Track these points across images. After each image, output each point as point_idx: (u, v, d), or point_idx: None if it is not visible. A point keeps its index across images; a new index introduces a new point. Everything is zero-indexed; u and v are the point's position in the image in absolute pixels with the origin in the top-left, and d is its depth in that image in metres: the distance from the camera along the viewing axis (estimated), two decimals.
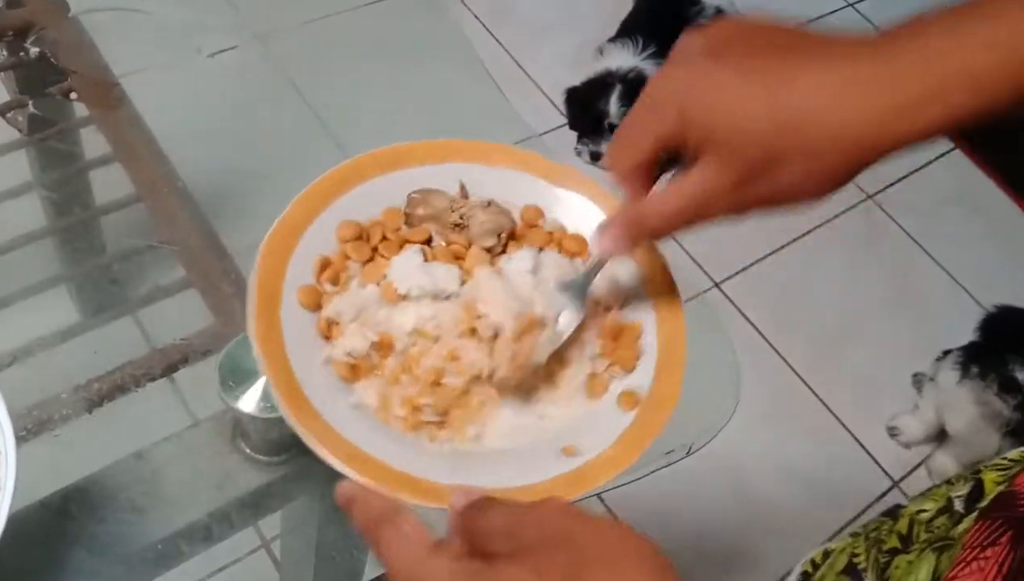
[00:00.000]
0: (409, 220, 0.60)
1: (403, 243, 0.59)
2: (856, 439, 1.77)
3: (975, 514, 0.58)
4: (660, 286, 0.59)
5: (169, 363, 0.71)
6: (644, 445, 0.52)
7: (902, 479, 1.74)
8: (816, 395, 1.81)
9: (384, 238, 0.59)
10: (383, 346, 0.55)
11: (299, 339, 0.53)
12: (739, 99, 0.44)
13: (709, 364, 0.80)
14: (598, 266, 0.56)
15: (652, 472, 0.67)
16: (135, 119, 0.91)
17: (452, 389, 0.53)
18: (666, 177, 0.49)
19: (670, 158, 0.49)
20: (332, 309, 0.55)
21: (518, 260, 0.57)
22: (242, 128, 1.03)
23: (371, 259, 0.58)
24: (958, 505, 0.61)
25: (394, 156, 0.61)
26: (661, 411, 0.54)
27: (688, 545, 1.59)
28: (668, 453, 0.71)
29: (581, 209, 0.61)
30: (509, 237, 0.59)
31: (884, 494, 1.73)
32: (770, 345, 1.85)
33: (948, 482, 0.65)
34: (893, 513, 0.71)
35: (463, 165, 0.62)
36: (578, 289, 0.56)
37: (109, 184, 0.93)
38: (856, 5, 2.46)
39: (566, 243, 0.61)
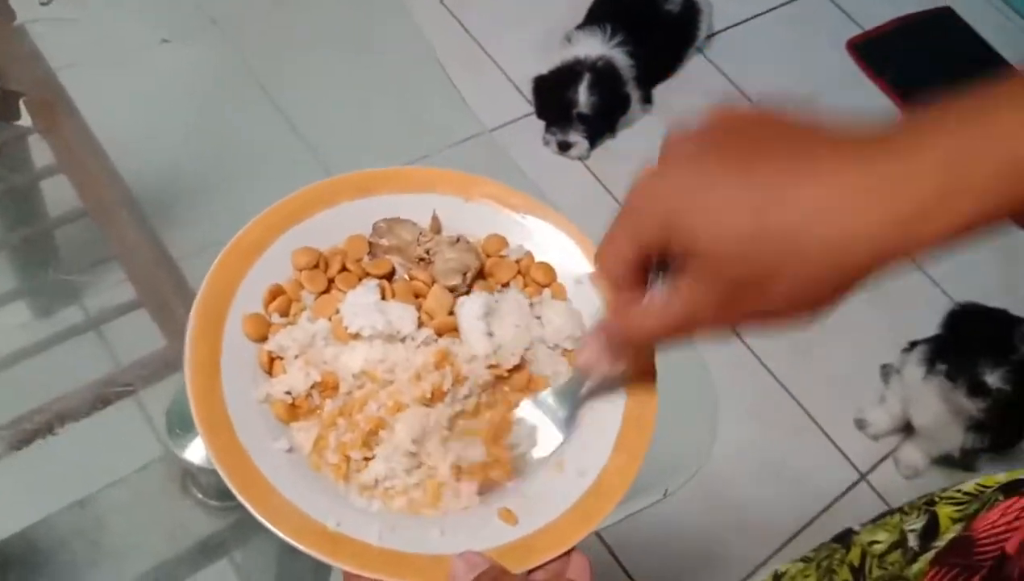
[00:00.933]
0: (373, 250, 0.57)
1: (363, 276, 0.56)
2: (824, 431, 1.78)
3: (930, 555, 0.57)
4: (638, 369, 0.55)
5: (104, 395, 0.67)
6: (592, 523, 0.50)
7: (869, 472, 1.75)
8: (784, 388, 1.81)
9: (344, 269, 0.56)
10: (326, 386, 0.52)
11: (238, 373, 0.51)
12: (723, 210, 0.41)
13: (686, 401, 0.78)
14: (580, 380, 0.53)
15: (625, 519, 0.66)
16: (80, 131, 0.88)
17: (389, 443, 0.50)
18: (654, 288, 0.46)
19: (662, 260, 0.46)
20: (276, 342, 0.52)
21: (470, 304, 0.54)
22: (195, 124, 1.00)
23: (327, 291, 0.55)
24: (912, 541, 0.60)
25: (365, 181, 0.58)
26: (617, 486, 0.52)
27: (657, 540, 1.59)
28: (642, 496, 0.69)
29: (547, 236, 0.59)
30: (476, 277, 0.56)
31: (852, 487, 1.74)
32: (742, 341, 1.85)
33: (901, 511, 0.65)
34: (845, 540, 0.70)
35: (440, 197, 0.59)
36: (561, 404, 0.53)
37: (62, 197, 0.90)
38: None
39: (534, 272, 0.58)
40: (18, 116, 0.87)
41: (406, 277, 0.57)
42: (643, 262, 0.45)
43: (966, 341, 1.56)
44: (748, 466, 1.70)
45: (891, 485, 1.73)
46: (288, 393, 0.51)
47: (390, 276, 0.57)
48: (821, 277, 0.41)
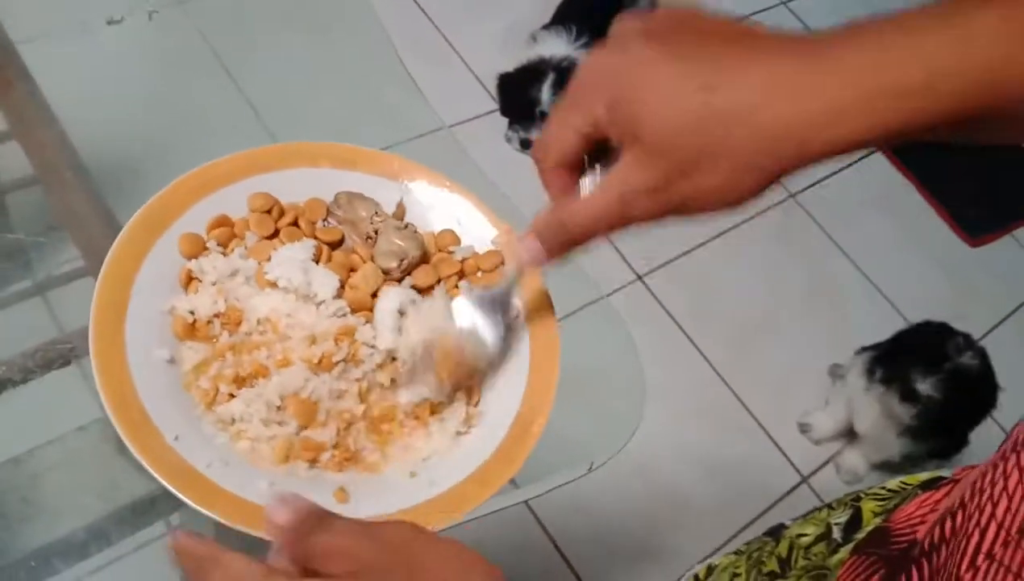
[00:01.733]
0: (329, 217, 0.58)
1: (310, 236, 0.57)
2: (768, 434, 1.81)
3: (851, 546, 0.59)
4: (537, 310, 0.57)
5: (45, 363, 0.68)
6: (501, 481, 0.51)
7: (811, 475, 1.78)
8: (731, 390, 1.83)
9: (294, 224, 0.57)
10: (229, 320, 0.53)
11: (155, 283, 0.52)
12: (670, 92, 0.42)
13: (614, 378, 0.80)
14: (517, 278, 0.54)
15: (552, 490, 0.67)
16: (33, 98, 0.87)
17: (259, 396, 0.51)
18: (589, 177, 0.47)
19: (593, 157, 0.47)
20: (199, 264, 0.54)
21: (390, 295, 0.55)
22: (151, 100, 1.00)
23: (271, 237, 0.56)
24: (836, 533, 0.62)
25: (349, 154, 0.60)
26: (523, 442, 0.53)
27: (597, 539, 1.60)
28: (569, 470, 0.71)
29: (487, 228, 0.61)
30: (413, 265, 0.57)
31: (793, 489, 1.77)
32: (689, 339, 1.87)
33: (829, 507, 0.67)
34: (776, 533, 0.72)
35: (413, 185, 0.60)
36: (497, 304, 0.54)
37: (12, 162, 0.89)
38: (789, 4, 2.49)
39: (480, 263, 0.60)
40: None
41: (352, 250, 0.58)
42: (584, 150, 0.46)
43: (904, 350, 1.61)
44: (689, 462, 1.72)
45: (832, 488, 1.76)
46: (192, 312, 0.52)
47: (337, 245, 0.58)
48: (750, 162, 0.42)
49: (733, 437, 1.79)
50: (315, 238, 0.57)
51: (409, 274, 0.57)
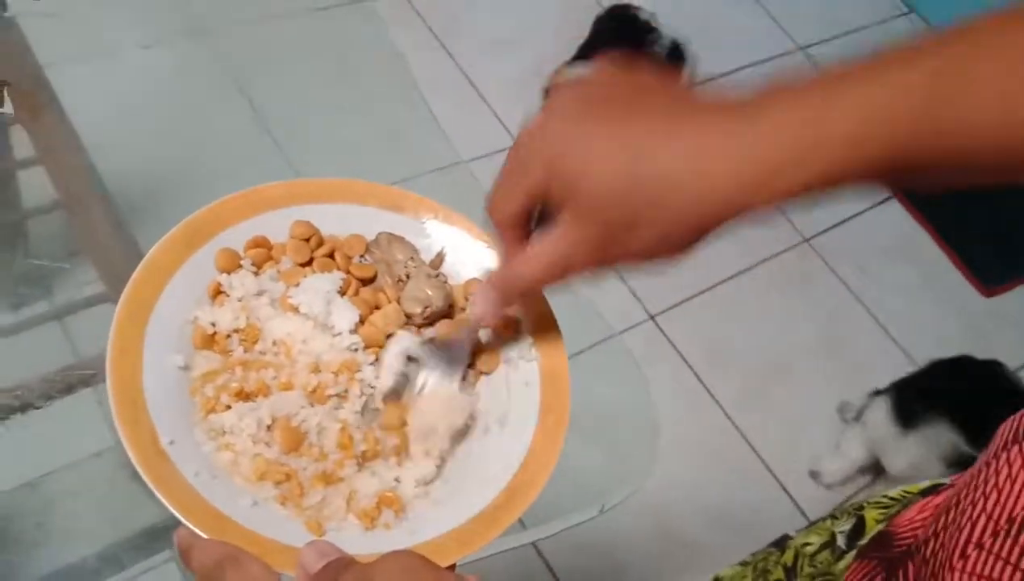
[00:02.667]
0: (367, 254, 0.59)
1: (344, 270, 0.58)
2: (778, 481, 1.79)
3: (855, 552, 0.59)
4: (548, 347, 0.57)
5: (66, 384, 0.68)
6: (493, 533, 0.50)
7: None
8: (741, 434, 1.83)
9: (330, 256, 0.58)
10: (247, 338, 0.54)
11: (183, 293, 0.53)
12: (602, 158, 0.44)
13: (626, 418, 0.80)
14: (474, 330, 0.55)
15: (562, 531, 0.67)
16: (61, 126, 0.89)
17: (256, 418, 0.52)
18: (537, 233, 0.49)
19: (543, 213, 0.49)
20: (228, 278, 0.55)
21: (399, 340, 0.56)
22: (175, 127, 1.02)
23: (304, 265, 0.58)
24: (840, 541, 0.63)
25: (398, 198, 0.61)
26: (528, 491, 0.52)
27: (600, 575, 1.59)
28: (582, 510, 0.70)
29: None
30: (436, 316, 0.58)
31: None
32: (700, 382, 1.87)
33: (833, 516, 0.67)
34: (780, 544, 0.73)
35: (454, 233, 0.61)
36: (454, 351, 0.55)
37: (38, 187, 0.91)
38: (807, 49, 2.51)
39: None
40: (1, 103, 0.88)
41: (383, 290, 0.59)
42: (529, 210, 0.48)
43: (934, 388, 1.60)
44: (699, 507, 1.71)
45: None
46: (213, 324, 0.53)
47: (369, 282, 0.59)
48: (684, 222, 0.45)
49: (743, 482, 1.78)
50: (348, 272, 0.58)
51: (432, 324, 0.58)
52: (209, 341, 0.53)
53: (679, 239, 0.46)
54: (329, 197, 0.60)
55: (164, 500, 0.46)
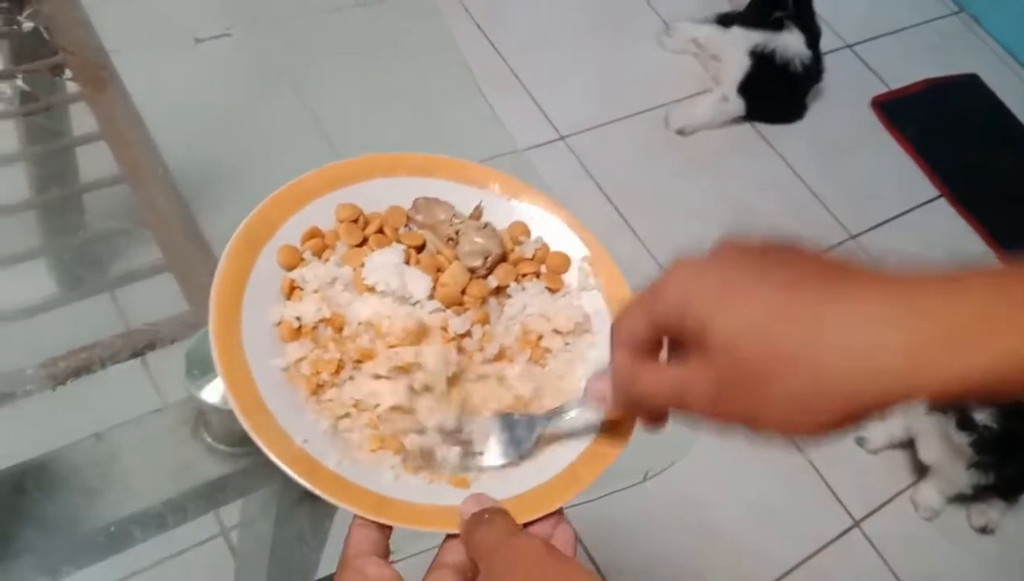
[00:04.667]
0: (409, 223, 0.61)
1: (395, 241, 0.59)
2: (820, 475, 1.78)
3: None
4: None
5: (136, 347, 0.71)
6: (598, 469, 0.53)
7: (863, 519, 1.75)
8: None
9: (380, 231, 0.60)
10: (333, 325, 0.55)
11: (261, 295, 0.54)
12: (745, 304, 0.43)
13: None
14: (560, 412, 0.54)
15: (606, 495, 0.68)
16: (124, 100, 0.91)
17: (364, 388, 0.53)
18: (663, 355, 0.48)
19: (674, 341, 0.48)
20: (300, 273, 0.56)
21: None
22: (230, 115, 1.04)
23: (359, 245, 0.59)
24: None
25: (425, 163, 0.63)
26: (617, 437, 0.54)
27: (642, 570, 1.59)
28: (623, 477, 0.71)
29: (561, 230, 0.63)
30: (495, 262, 0.59)
31: (843, 533, 1.74)
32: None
33: None
34: None
35: (485, 192, 0.63)
36: (528, 428, 0.54)
37: (94, 163, 0.93)
38: (857, 238, 2.49)
39: (549, 260, 0.62)
40: (62, 72, 0.91)
41: (434, 252, 0.60)
42: (655, 337, 0.47)
43: None
44: (739, 500, 1.70)
45: (885, 533, 1.74)
46: (298, 319, 0.54)
47: (420, 249, 0.60)
48: (826, 391, 0.41)
49: (785, 477, 1.77)
50: (400, 242, 0.60)
51: (492, 271, 0.59)
52: (298, 334, 0.55)
53: (821, 410, 0.41)
54: (362, 175, 0.61)
55: (330, 498, 0.48)
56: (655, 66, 2.28)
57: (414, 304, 0.56)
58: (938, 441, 1.66)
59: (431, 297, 0.57)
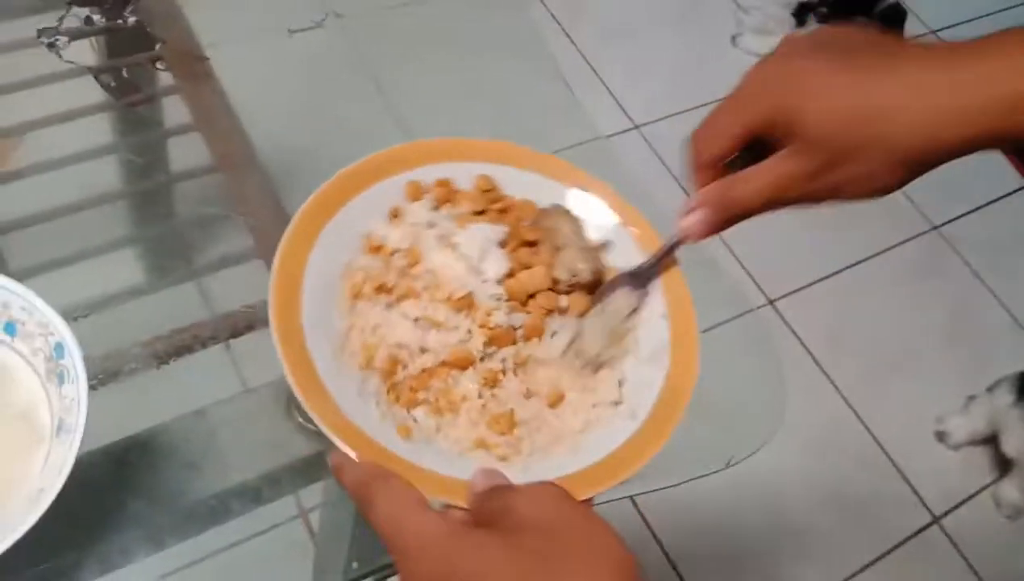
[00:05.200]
0: (536, 220, 0.62)
1: (512, 227, 0.60)
2: (899, 471, 1.75)
3: None
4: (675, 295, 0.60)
5: (235, 328, 0.74)
6: (647, 455, 0.53)
7: (943, 515, 1.72)
8: (863, 422, 1.79)
9: (503, 212, 0.61)
10: (409, 258, 0.57)
11: (366, 207, 0.58)
12: (828, 89, 0.48)
13: (756, 379, 0.80)
14: (671, 249, 0.57)
15: (689, 480, 0.68)
16: (218, 92, 0.94)
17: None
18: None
19: (737, 159, 0.52)
20: (410, 206, 0.59)
21: (560, 329, 0.58)
22: (315, 105, 1.06)
23: (478, 214, 0.61)
24: None
25: (567, 171, 0.64)
26: (668, 421, 0.54)
27: (719, 562, 1.59)
28: (706, 464, 0.71)
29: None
30: (581, 287, 0.60)
31: (922, 530, 1.71)
32: (820, 368, 1.84)
33: None
34: None
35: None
36: (644, 273, 0.58)
37: (185, 153, 0.96)
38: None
39: None
40: (160, 64, 0.94)
41: (533, 253, 0.61)
42: (739, 145, 0.51)
43: None
44: (814, 494, 1.69)
45: (967, 531, 1.70)
46: (383, 237, 0.58)
47: (531, 245, 0.61)
48: (898, 157, 0.48)
49: (862, 471, 1.74)
50: (514, 231, 0.61)
51: (571, 292, 0.60)
52: (376, 251, 0.57)
53: (890, 171, 0.48)
54: (509, 160, 0.62)
55: (325, 428, 0.49)
56: (731, 58, 2.26)
57: (483, 281, 0.57)
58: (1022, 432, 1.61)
59: (500, 282, 0.58)
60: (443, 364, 0.55)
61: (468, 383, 0.55)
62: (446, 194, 0.60)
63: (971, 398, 1.77)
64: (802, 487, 1.68)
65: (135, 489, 0.63)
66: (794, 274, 1.93)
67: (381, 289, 0.56)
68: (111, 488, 0.64)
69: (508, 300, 0.58)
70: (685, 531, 1.58)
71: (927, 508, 1.72)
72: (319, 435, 0.68)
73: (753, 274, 1.91)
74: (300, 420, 0.68)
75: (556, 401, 0.56)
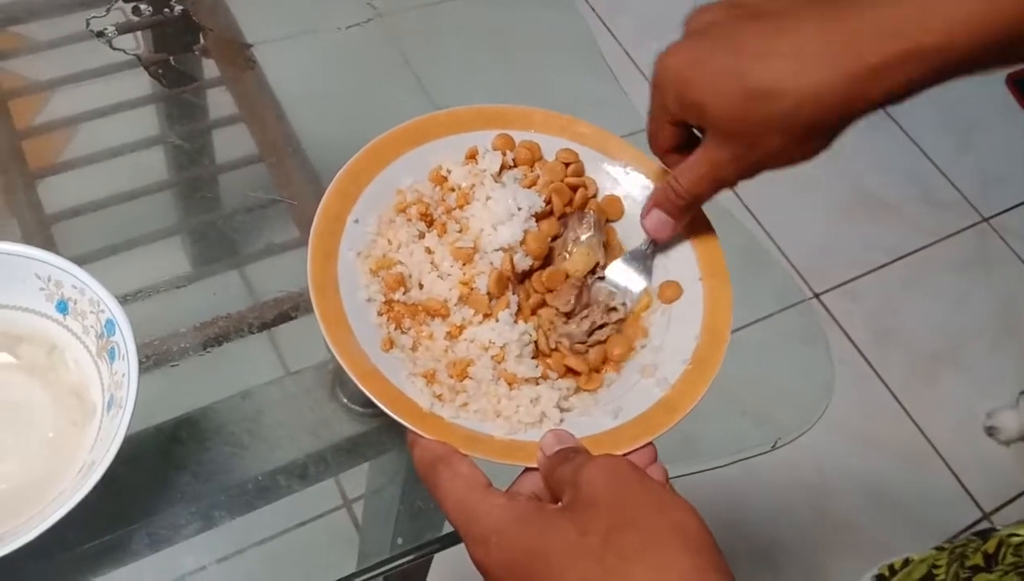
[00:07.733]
0: (586, 217, 0.62)
1: (549, 199, 0.60)
2: (948, 466, 1.72)
3: None
4: (707, 251, 0.60)
5: (281, 311, 0.74)
6: (683, 408, 0.52)
7: (993, 512, 1.69)
8: (910, 417, 1.76)
9: (551, 183, 0.61)
10: (455, 208, 0.59)
11: (407, 167, 0.59)
12: (717, 80, 0.47)
13: (803, 365, 0.80)
14: (651, 252, 0.59)
15: (737, 461, 0.68)
16: (262, 82, 0.96)
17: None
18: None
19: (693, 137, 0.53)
20: (459, 169, 0.60)
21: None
22: (361, 101, 1.07)
23: (530, 182, 0.61)
24: None
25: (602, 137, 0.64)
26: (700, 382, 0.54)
27: (761, 553, 1.57)
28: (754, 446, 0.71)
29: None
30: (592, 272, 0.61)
31: (971, 526, 1.68)
32: (867, 362, 1.81)
33: None
34: (984, 534, 0.71)
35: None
36: (641, 261, 0.59)
37: (230, 143, 0.98)
38: None
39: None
40: (206, 54, 0.95)
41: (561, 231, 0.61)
42: (680, 135, 0.52)
43: None
44: (863, 489, 1.67)
45: None
46: (417, 191, 0.58)
47: (561, 217, 0.61)
48: (801, 126, 0.46)
49: (909, 467, 1.72)
50: (561, 216, 0.61)
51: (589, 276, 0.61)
52: (439, 182, 0.59)
53: (799, 147, 0.48)
54: (542, 128, 0.62)
55: (387, 410, 0.50)
56: None
57: (511, 215, 0.58)
58: None
59: (523, 242, 0.58)
60: (421, 307, 0.56)
61: (484, 337, 0.55)
62: (528, 156, 0.61)
63: (1022, 393, 1.74)
64: (848, 481, 1.66)
65: (184, 466, 0.65)
66: (840, 268, 1.91)
67: (424, 216, 0.57)
68: (161, 464, 0.65)
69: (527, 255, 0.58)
70: (728, 522, 1.56)
71: (976, 504, 1.69)
72: (363, 416, 0.69)
73: (799, 268, 1.89)
74: (344, 401, 0.69)
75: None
